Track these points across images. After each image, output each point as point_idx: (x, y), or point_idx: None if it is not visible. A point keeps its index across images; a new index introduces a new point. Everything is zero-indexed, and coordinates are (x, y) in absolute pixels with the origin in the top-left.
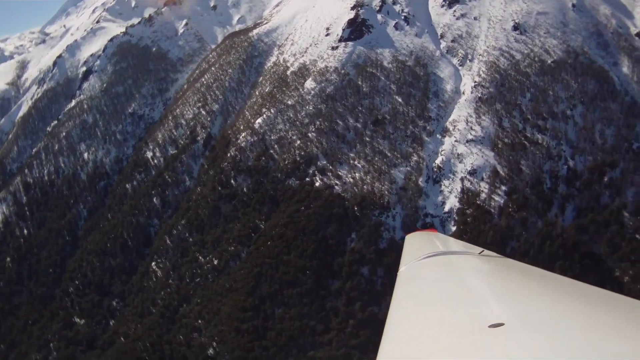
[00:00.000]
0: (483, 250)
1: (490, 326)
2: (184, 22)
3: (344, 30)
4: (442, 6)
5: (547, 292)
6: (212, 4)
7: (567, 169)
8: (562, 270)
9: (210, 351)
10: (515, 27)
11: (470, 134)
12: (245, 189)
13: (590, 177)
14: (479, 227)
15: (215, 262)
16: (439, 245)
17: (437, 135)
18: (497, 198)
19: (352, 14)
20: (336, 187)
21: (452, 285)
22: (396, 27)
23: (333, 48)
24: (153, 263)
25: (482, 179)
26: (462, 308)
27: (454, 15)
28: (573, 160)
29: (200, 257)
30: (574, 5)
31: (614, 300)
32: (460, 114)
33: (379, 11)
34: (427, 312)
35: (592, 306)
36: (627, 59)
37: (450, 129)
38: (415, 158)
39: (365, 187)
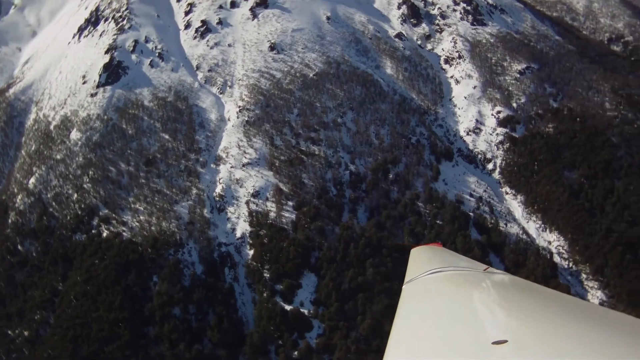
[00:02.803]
0: (488, 267)
1: (493, 343)
2: None
3: (100, 75)
4: (195, 38)
5: (550, 310)
6: None
7: (350, 173)
8: (374, 265)
9: None
10: (272, 48)
11: (245, 157)
12: (34, 253)
13: (374, 177)
14: (278, 245)
15: (26, 333)
16: (443, 260)
17: (212, 165)
18: (287, 214)
19: (107, 58)
20: (124, 233)
21: (456, 302)
22: (152, 64)
23: (92, 95)
24: None
25: (267, 199)
26: (466, 324)
27: (208, 45)
28: (353, 164)
29: (9, 332)
30: (328, 18)
31: (618, 318)
32: (231, 140)
33: (133, 51)
34: (431, 328)
35: (596, 325)
36: (389, 60)
37: (224, 156)
38: (195, 191)
39: (153, 228)
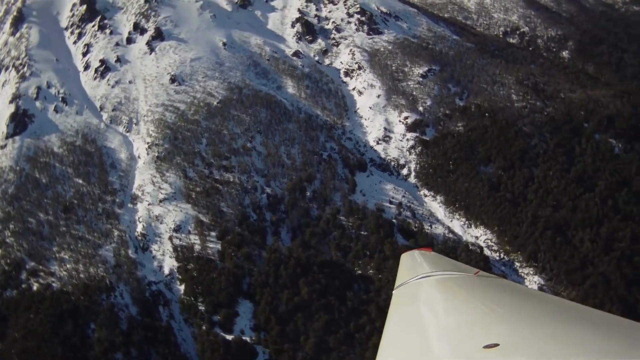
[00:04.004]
0: (478, 271)
1: (485, 347)
2: None
3: (8, 126)
4: (95, 78)
5: (542, 314)
6: None
7: (267, 196)
8: (307, 284)
9: None
10: (173, 80)
11: (161, 193)
12: None
13: (292, 197)
14: (208, 277)
15: None
16: (434, 264)
17: (129, 205)
18: (211, 245)
19: (12, 108)
20: (54, 284)
21: (447, 306)
22: (56, 110)
23: (2, 147)
24: None
25: (189, 232)
26: (457, 328)
27: (109, 84)
28: (269, 187)
29: None
30: (224, 44)
31: (609, 321)
32: (144, 178)
33: (37, 98)
34: (422, 333)
35: (587, 327)
36: (290, 79)
37: (139, 194)
38: (116, 233)
39: (81, 275)
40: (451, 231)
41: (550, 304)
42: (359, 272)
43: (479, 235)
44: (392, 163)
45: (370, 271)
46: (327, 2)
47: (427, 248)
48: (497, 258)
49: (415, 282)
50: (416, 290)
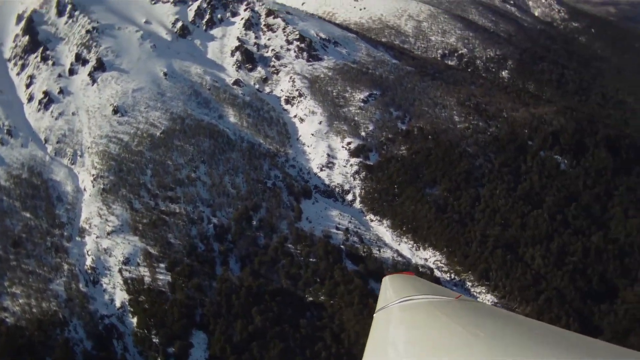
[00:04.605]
0: (460, 295)
1: None
2: None
3: None
4: (39, 110)
5: (523, 337)
6: None
7: (214, 226)
8: (260, 312)
9: None
10: (116, 111)
11: (108, 226)
12: None
13: (239, 226)
14: (161, 309)
15: None
16: (415, 288)
17: (77, 238)
18: (161, 276)
19: None
20: (7, 319)
21: (429, 330)
22: (2, 142)
23: None
24: None
25: (139, 264)
26: (439, 352)
27: (53, 116)
28: (215, 217)
29: None
30: (165, 74)
31: (595, 346)
32: (91, 211)
33: None
34: (403, 356)
35: (568, 351)
36: (231, 108)
37: (87, 227)
38: (66, 267)
39: (34, 310)
40: (400, 254)
41: (531, 328)
42: (311, 299)
43: (428, 257)
44: (337, 189)
45: (322, 297)
46: (266, 29)
47: (409, 272)
48: (448, 279)
49: (396, 306)
50: (397, 313)
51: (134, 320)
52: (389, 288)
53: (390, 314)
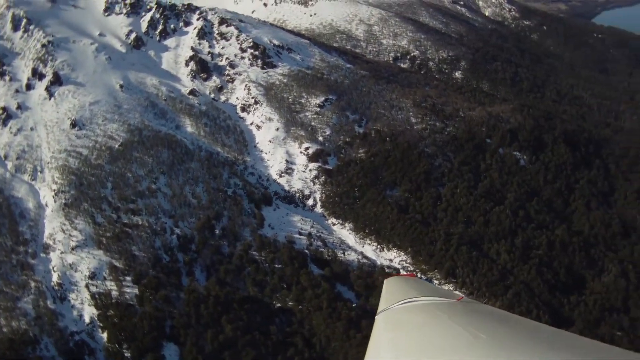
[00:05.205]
0: (462, 297)
1: None
2: None
3: None
4: None
5: (525, 339)
6: None
7: (177, 237)
8: (229, 321)
9: None
10: (73, 125)
11: (72, 241)
12: None
13: (202, 236)
14: (130, 323)
15: None
16: (417, 290)
17: (42, 254)
18: (128, 289)
19: None
20: None
21: (431, 331)
22: None
23: None
24: None
25: (105, 278)
26: (440, 354)
27: (11, 132)
28: (178, 227)
29: None
30: (121, 86)
31: (591, 347)
32: (54, 226)
33: None
34: (404, 358)
35: (570, 353)
36: (188, 118)
37: (51, 243)
38: (33, 284)
39: (4, 329)
40: (365, 256)
41: (533, 330)
42: (279, 305)
43: (392, 258)
44: (297, 194)
45: (290, 303)
46: (219, 38)
47: (411, 274)
48: None
49: (398, 308)
50: (398, 315)
51: (104, 335)
52: (391, 290)
53: (392, 316)
